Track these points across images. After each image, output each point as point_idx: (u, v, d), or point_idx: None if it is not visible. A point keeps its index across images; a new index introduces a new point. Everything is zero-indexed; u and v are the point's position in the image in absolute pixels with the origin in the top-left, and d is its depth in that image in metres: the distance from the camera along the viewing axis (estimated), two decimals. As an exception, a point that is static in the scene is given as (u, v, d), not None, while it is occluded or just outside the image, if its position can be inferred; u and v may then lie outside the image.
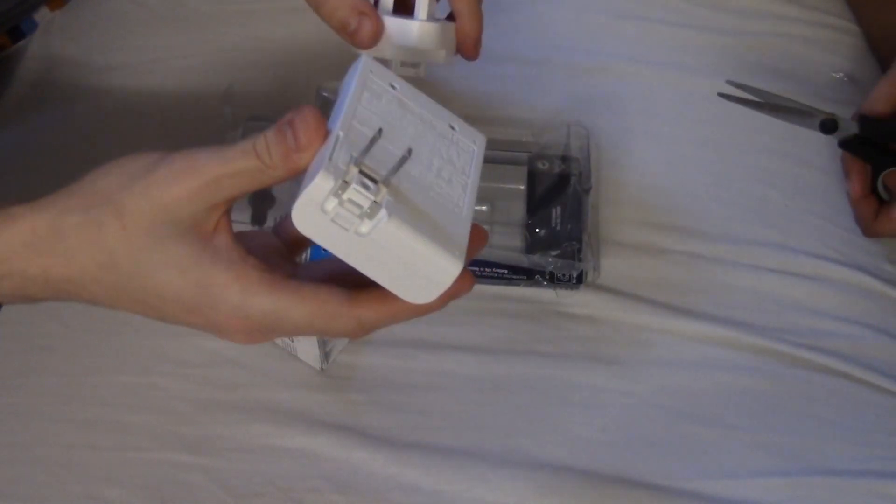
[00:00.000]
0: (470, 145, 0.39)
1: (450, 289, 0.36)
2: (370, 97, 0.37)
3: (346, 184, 0.34)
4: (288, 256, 0.42)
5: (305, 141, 0.36)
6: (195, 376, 0.53)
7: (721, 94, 0.60)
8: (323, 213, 0.35)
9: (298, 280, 0.38)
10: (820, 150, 0.64)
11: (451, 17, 0.49)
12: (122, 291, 0.38)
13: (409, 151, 0.35)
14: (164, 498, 0.49)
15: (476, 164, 0.39)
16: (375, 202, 0.34)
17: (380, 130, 0.36)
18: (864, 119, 0.59)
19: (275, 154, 0.36)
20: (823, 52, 0.70)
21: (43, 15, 0.69)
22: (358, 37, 0.45)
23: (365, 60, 0.39)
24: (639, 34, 0.69)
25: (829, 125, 0.59)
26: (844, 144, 0.60)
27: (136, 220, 0.36)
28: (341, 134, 0.35)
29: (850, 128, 0.59)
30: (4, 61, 0.69)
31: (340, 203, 0.34)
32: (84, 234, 0.37)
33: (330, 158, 0.34)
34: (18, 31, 0.68)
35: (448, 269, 0.35)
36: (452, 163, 0.38)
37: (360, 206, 0.34)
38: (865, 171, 0.60)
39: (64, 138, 0.64)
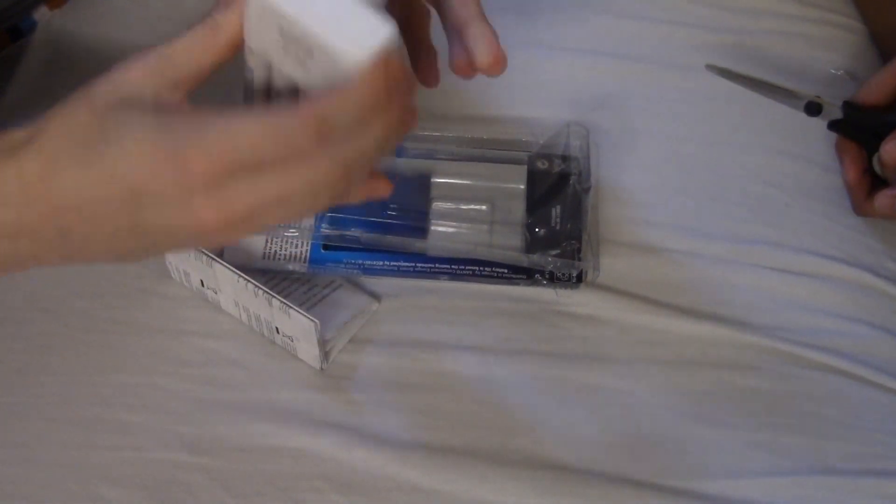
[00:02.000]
0: None
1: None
2: None
3: None
4: None
5: None
6: (195, 376, 0.53)
7: (709, 66, 0.60)
8: None
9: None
10: (820, 149, 0.64)
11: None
12: (94, 174, 0.37)
13: None
14: (164, 498, 0.49)
15: None
16: None
17: None
18: (848, 106, 0.60)
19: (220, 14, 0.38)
20: (824, 49, 0.70)
21: (42, 14, 0.69)
22: None
23: None
24: (639, 34, 0.69)
25: (813, 108, 0.60)
26: (833, 126, 0.60)
27: (103, 99, 0.37)
28: None
29: (835, 112, 0.60)
30: (3, 60, 0.68)
31: None
32: (57, 120, 0.37)
33: None
34: (17, 29, 0.68)
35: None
36: None
37: None
38: (860, 156, 0.61)
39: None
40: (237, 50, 0.39)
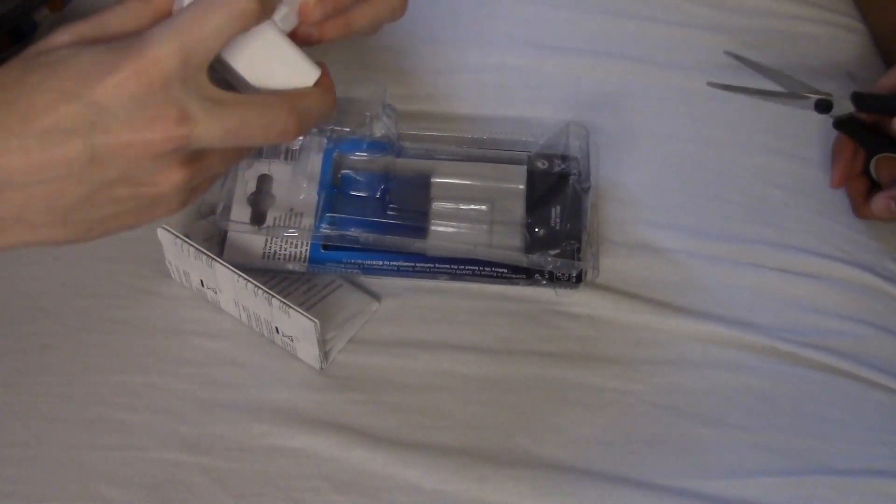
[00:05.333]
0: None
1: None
2: None
3: None
4: None
5: None
6: (195, 376, 0.53)
7: (710, 84, 0.61)
8: None
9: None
10: (820, 149, 0.64)
11: None
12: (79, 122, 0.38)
13: None
14: (164, 498, 0.49)
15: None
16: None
17: None
18: (858, 96, 0.60)
19: None
20: (827, 49, 0.70)
21: (43, 16, 0.69)
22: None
23: None
24: (639, 34, 0.69)
25: (823, 105, 0.60)
26: (839, 125, 0.60)
27: (32, 62, 0.39)
28: None
29: (845, 108, 0.59)
30: (3, 62, 0.68)
31: None
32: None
33: None
34: (18, 31, 0.68)
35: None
36: None
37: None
38: (855, 158, 0.61)
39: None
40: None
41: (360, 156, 0.59)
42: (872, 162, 0.60)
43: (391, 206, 0.58)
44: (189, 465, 0.50)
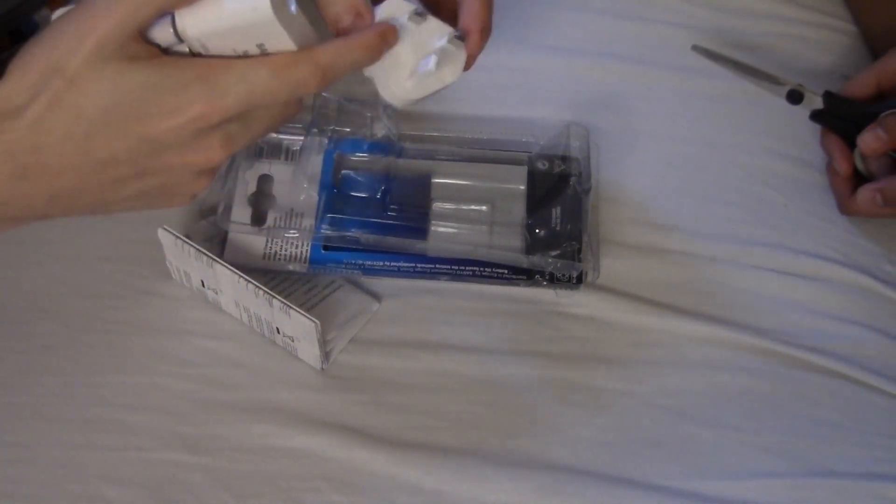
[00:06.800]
0: None
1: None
2: None
3: None
4: None
5: None
6: (195, 376, 0.53)
7: (695, 47, 0.61)
8: None
9: None
10: (818, 150, 0.64)
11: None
12: (95, 135, 0.40)
13: None
14: (164, 498, 0.49)
15: None
16: None
17: None
18: (829, 96, 0.60)
19: None
20: (820, 51, 0.70)
21: (43, 16, 0.69)
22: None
23: None
24: (639, 34, 0.69)
25: (795, 96, 0.60)
26: (815, 117, 0.61)
27: (78, 70, 0.39)
28: None
29: (816, 103, 0.60)
30: (3, 62, 0.68)
31: None
32: (39, 105, 0.39)
33: None
34: (18, 31, 0.68)
35: None
36: None
37: None
38: (847, 150, 0.60)
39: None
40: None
41: (361, 156, 0.59)
42: (856, 152, 0.60)
43: (392, 206, 0.58)
44: (189, 465, 0.50)
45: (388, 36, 0.44)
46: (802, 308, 0.58)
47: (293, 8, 0.41)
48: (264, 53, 0.41)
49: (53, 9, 0.69)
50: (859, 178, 0.61)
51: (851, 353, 0.56)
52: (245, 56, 0.41)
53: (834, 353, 0.56)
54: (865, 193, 0.59)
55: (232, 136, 0.42)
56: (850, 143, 0.60)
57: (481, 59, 0.50)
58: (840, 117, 0.60)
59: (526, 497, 0.49)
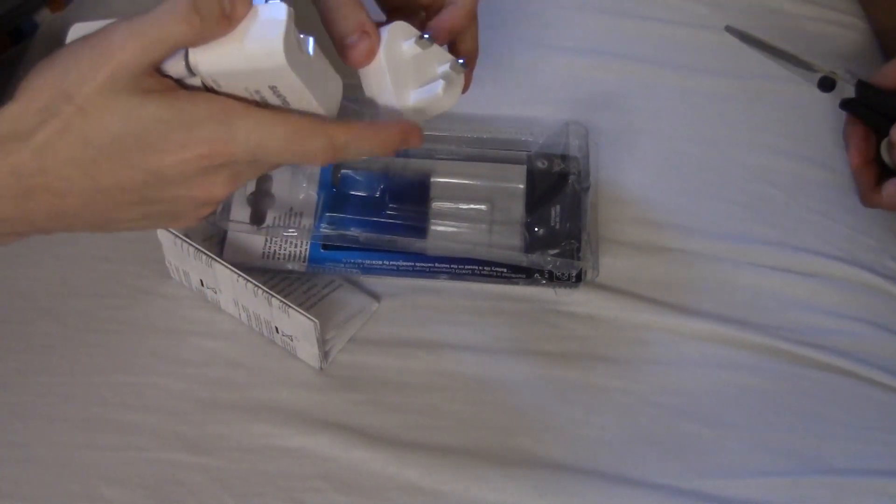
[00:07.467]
0: None
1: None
2: None
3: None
4: None
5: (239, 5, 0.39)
6: (195, 376, 0.53)
7: (729, 28, 0.60)
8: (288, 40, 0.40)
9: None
10: (820, 147, 0.64)
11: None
12: (102, 163, 0.39)
13: None
14: (164, 498, 0.49)
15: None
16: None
17: None
18: (862, 85, 0.59)
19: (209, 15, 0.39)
20: (827, 47, 0.70)
21: (44, 16, 0.69)
22: (353, 52, 0.44)
23: None
24: (639, 34, 0.69)
25: (827, 83, 0.59)
26: (845, 105, 0.59)
27: (90, 99, 0.38)
28: None
29: (848, 91, 0.59)
30: (4, 63, 0.69)
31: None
32: (48, 130, 0.39)
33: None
34: (19, 32, 0.68)
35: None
36: None
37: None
38: (867, 141, 0.59)
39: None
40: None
41: (360, 155, 0.59)
42: (883, 145, 0.59)
43: (391, 205, 0.58)
44: (189, 465, 0.50)
45: (410, 136, 0.44)
46: (804, 305, 0.58)
47: (310, 49, 0.41)
48: (277, 95, 0.41)
49: (54, 10, 0.69)
50: (884, 171, 0.59)
51: (853, 349, 0.56)
52: (261, 100, 0.41)
53: (836, 350, 0.56)
54: (893, 188, 0.57)
55: (238, 174, 0.42)
56: (878, 134, 0.59)
57: (481, 58, 0.51)
58: (871, 107, 0.59)
59: (525, 496, 0.49)
